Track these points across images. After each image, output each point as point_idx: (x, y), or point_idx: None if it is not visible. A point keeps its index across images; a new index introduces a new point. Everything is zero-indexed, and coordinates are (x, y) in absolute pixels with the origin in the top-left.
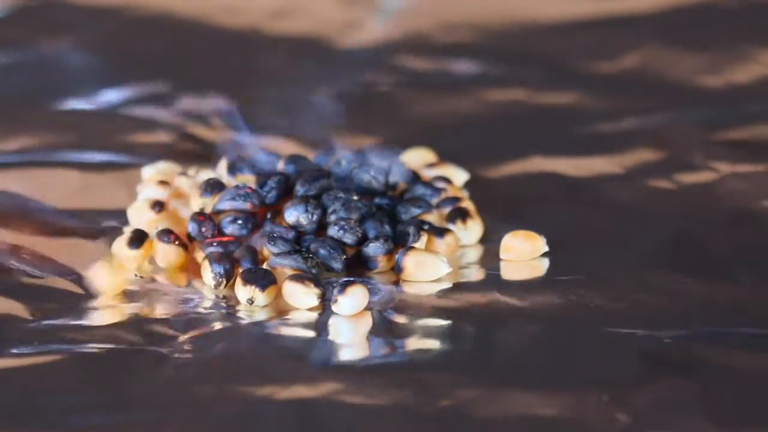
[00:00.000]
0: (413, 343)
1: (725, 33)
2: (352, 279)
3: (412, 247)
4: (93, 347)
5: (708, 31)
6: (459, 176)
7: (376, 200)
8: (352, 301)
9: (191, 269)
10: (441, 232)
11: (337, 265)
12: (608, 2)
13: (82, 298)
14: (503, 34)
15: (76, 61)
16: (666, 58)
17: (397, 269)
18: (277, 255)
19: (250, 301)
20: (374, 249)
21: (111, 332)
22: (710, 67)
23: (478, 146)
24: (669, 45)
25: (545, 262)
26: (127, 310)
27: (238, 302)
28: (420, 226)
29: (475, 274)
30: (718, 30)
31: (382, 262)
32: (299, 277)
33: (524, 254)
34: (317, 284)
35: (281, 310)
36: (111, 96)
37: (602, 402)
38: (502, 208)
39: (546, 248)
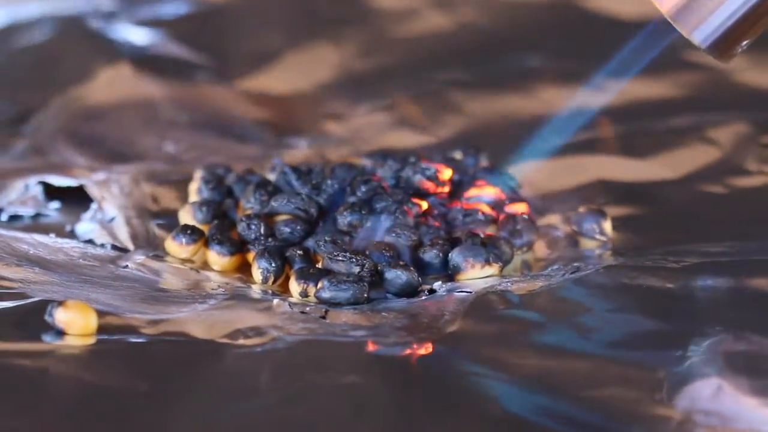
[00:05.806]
0: None
1: None
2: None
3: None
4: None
5: None
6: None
7: (426, 203)
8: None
9: (244, 271)
10: (493, 241)
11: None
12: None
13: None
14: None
15: None
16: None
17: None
18: (332, 258)
19: (304, 294)
20: (431, 256)
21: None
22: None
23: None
24: None
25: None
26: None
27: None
28: (472, 237)
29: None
30: None
31: (438, 267)
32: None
33: None
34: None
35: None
36: None
37: None
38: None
39: None
